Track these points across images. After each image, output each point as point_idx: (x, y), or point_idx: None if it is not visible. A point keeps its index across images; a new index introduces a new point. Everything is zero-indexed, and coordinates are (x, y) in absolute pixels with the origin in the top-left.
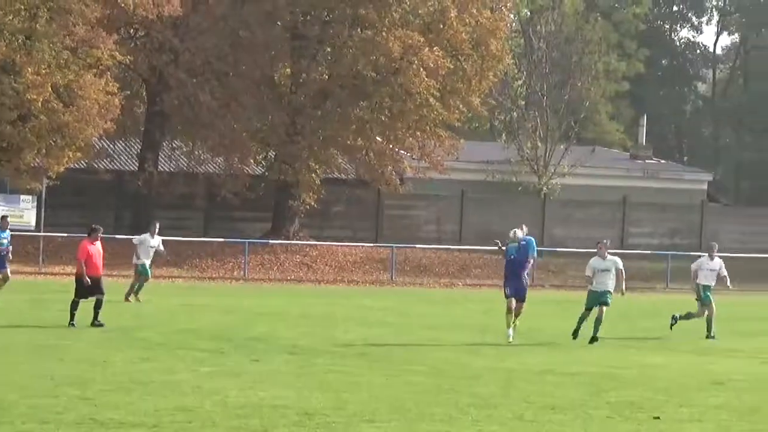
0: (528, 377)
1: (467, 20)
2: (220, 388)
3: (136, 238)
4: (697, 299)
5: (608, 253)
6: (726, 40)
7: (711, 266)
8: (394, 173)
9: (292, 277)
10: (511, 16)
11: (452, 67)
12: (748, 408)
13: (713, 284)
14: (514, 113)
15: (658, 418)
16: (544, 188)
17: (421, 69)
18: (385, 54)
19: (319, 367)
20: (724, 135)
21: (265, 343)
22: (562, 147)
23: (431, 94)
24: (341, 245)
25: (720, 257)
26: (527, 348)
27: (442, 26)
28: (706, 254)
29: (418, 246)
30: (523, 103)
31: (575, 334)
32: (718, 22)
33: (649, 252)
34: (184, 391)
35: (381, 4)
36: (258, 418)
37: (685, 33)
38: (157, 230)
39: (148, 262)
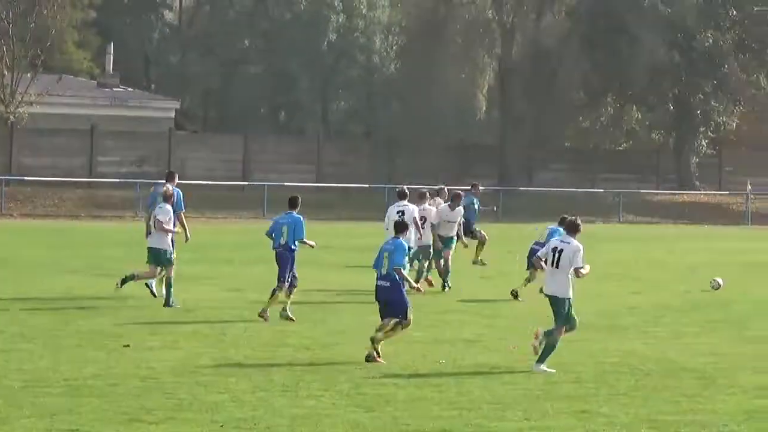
0: None
1: None
2: None
3: None
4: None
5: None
6: None
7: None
8: None
9: None
10: None
11: None
12: (217, 333)
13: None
14: None
15: (128, 345)
16: (11, 117)
17: None
18: None
19: None
20: (192, 63)
21: None
22: (28, 75)
23: None
24: None
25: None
26: None
27: None
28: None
29: None
30: None
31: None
32: None
33: (118, 180)
34: None
35: None
36: None
37: None
38: None
39: None
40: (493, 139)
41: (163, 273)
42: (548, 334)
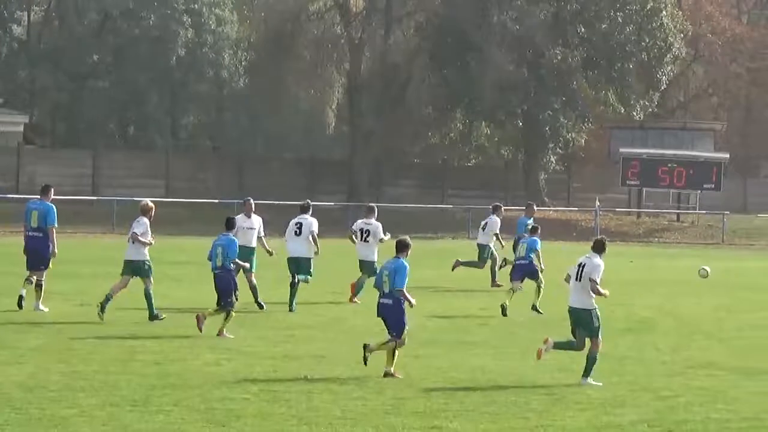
0: None
1: None
2: None
3: None
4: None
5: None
6: None
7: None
8: None
9: None
10: None
11: None
12: (65, 348)
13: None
14: None
15: None
16: None
17: None
18: None
19: None
20: (40, 77)
21: None
22: None
23: None
24: None
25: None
26: None
27: None
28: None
29: None
30: None
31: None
32: None
33: None
34: None
35: None
36: None
37: None
38: None
39: None
40: (342, 154)
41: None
42: (561, 346)
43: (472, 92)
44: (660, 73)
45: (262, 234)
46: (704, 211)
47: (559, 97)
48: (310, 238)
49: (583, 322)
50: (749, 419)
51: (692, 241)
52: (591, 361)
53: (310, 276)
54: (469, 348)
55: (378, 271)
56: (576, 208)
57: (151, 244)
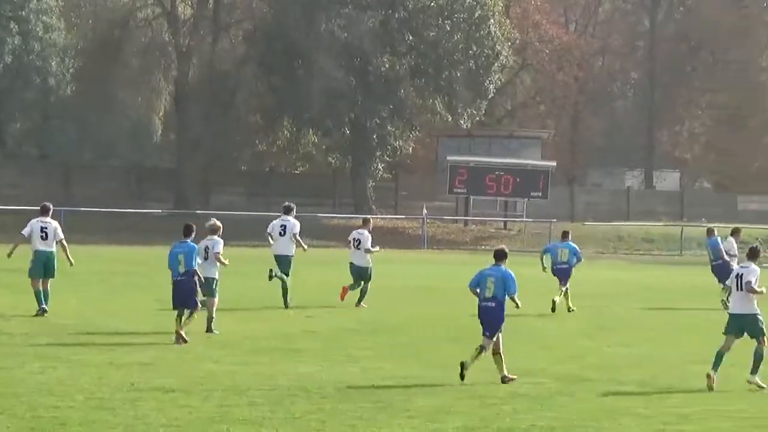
0: None
1: None
2: None
3: None
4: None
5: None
6: None
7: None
8: None
9: None
10: None
11: None
12: None
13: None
14: None
15: None
16: None
17: None
18: None
19: None
20: None
21: None
22: None
23: None
24: None
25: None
26: None
27: None
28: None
29: None
30: None
31: None
32: None
33: None
34: None
35: None
36: None
37: None
38: None
39: None
40: (169, 162)
41: None
42: (717, 365)
43: (299, 100)
44: (487, 82)
45: (61, 237)
46: (531, 219)
47: (386, 105)
48: (293, 239)
49: (748, 326)
50: (575, 426)
51: (519, 248)
52: (759, 357)
53: (286, 276)
54: (296, 355)
55: (478, 276)
56: (403, 216)
57: (226, 264)
